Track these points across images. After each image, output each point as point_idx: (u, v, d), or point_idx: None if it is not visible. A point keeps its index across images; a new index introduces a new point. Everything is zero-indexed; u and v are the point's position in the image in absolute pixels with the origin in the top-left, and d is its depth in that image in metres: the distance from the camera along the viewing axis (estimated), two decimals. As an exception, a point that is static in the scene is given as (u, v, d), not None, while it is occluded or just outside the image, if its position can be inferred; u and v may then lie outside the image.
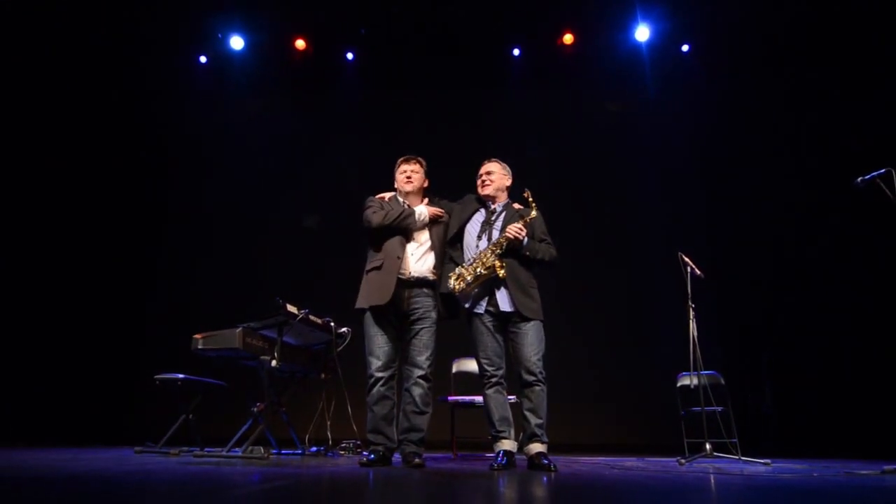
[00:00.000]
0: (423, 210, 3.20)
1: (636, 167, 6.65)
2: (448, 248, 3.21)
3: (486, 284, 3.01)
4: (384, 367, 3.02)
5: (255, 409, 3.45)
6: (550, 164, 6.33)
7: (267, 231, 6.56)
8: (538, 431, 2.86)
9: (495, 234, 3.08)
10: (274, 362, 3.38)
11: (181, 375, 3.84)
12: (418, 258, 3.16)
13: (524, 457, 2.94)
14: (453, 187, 5.72)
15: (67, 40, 5.78)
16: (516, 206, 3.22)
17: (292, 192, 6.70)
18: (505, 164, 3.34)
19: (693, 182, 6.57)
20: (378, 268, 3.10)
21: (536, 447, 2.86)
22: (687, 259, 3.85)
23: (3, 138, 5.32)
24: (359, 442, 3.64)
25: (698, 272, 3.81)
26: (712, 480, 2.43)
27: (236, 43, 6.56)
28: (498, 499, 1.81)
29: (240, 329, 3.35)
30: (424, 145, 6.48)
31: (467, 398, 4.25)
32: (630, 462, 3.69)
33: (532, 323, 2.97)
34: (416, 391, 3.02)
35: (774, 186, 5.91)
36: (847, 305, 5.18)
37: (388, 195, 3.34)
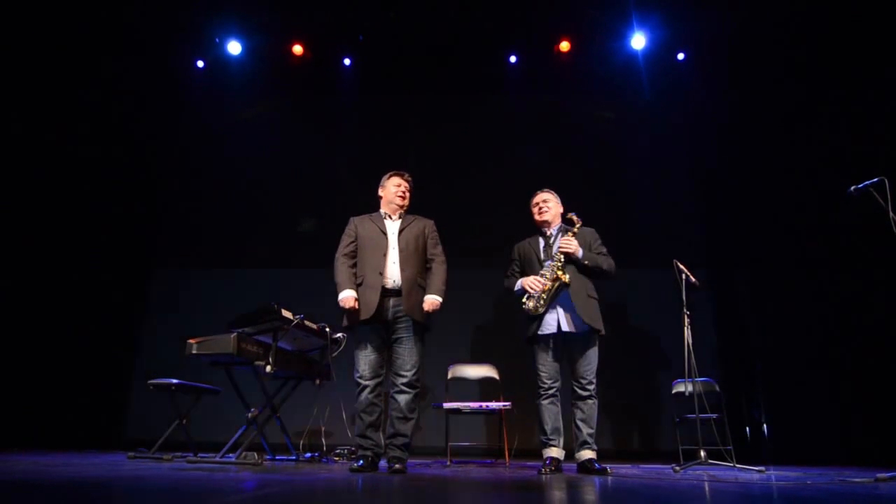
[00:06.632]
0: (346, 296, 3.18)
1: (632, 174, 6.66)
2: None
3: (550, 306, 3.33)
4: (370, 377, 3.14)
5: (250, 415, 3.44)
6: (546, 171, 6.33)
7: (263, 236, 6.55)
8: (589, 440, 3.28)
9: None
10: (268, 368, 3.37)
11: (175, 381, 3.82)
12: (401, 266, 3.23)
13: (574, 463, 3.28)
14: (450, 190, 5.76)
15: (63, 45, 5.77)
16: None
17: (289, 196, 6.70)
18: (555, 193, 3.69)
19: (689, 190, 6.58)
20: (360, 284, 3.21)
21: (587, 454, 3.25)
22: (682, 267, 3.86)
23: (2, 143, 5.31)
24: (353, 448, 3.64)
25: (693, 280, 3.82)
26: (706, 488, 2.43)
27: (234, 48, 6.57)
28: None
29: (234, 334, 3.34)
30: (421, 151, 6.57)
31: (462, 404, 4.24)
32: (625, 469, 3.69)
33: (591, 340, 3.36)
34: (401, 398, 3.12)
35: (770, 195, 5.93)
36: (841, 313, 5.20)
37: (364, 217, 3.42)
